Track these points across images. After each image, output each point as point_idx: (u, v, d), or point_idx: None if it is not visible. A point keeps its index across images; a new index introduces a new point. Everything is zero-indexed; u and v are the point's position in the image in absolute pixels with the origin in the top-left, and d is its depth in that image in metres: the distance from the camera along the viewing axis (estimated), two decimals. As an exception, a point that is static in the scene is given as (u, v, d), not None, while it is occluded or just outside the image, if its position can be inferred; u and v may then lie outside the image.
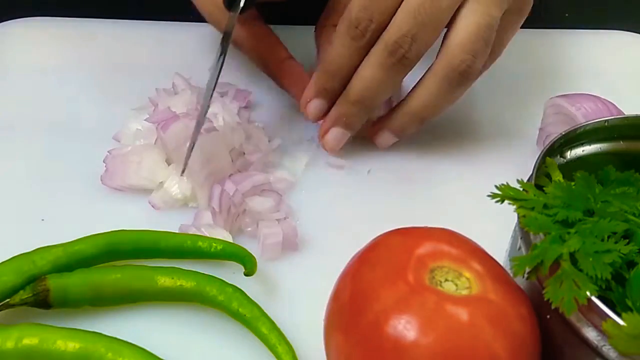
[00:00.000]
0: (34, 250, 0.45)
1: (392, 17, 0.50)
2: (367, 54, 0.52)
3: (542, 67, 0.68)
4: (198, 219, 0.51)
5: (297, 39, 0.60)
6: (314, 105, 0.55)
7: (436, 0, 0.49)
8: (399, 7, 0.50)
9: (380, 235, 0.40)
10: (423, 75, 0.53)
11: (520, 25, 0.54)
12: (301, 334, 0.44)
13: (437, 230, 0.39)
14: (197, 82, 0.61)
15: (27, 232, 0.50)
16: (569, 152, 0.43)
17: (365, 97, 0.53)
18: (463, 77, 0.51)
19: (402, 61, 0.51)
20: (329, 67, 0.53)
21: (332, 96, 0.55)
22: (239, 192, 0.50)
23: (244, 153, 0.54)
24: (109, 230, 0.47)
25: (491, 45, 0.52)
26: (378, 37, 0.51)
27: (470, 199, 0.53)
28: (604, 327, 0.32)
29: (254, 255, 0.46)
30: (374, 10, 0.50)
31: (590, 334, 0.34)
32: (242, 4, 0.53)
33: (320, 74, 0.54)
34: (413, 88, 0.54)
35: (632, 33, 0.72)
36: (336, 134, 0.56)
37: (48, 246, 0.46)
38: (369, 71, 0.52)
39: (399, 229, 0.40)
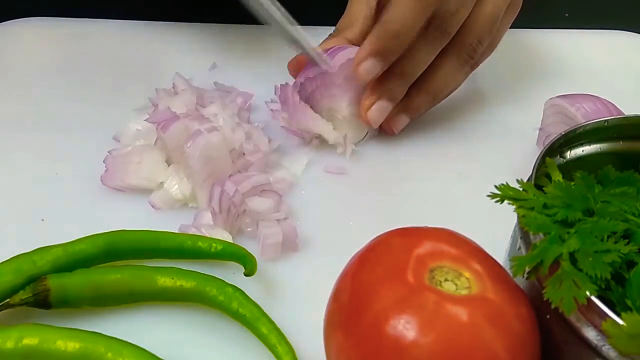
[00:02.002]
0: (34, 250, 0.45)
1: None
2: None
3: (542, 67, 0.68)
4: (198, 219, 0.51)
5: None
6: (369, 65, 0.54)
7: None
8: None
9: (380, 235, 0.40)
10: (437, 57, 0.56)
11: (513, 20, 0.59)
12: (301, 334, 0.44)
13: (437, 230, 0.39)
14: (197, 82, 0.61)
15: (27, 232, 0.50)
16: (568, 152, 0.43)
17: (409, 71, 0.56)
18: (471, 58, 0.56)
19: (444, 35, 0.55)
20: (391, 29, 0.54)
21: (387, 60, 0.55)
22: (239, 193, 0.50)
23: (244, 153, 0.54)
24: (109, 230, 0.47)
25: (493, 33, 0.57)
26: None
27: (470, 199, 0.53)
28: (604, 326, 0.32)
29: (254, 255, 0.46)
30: None
31: (590, 333, 0.34)
32: None
33: (379, 36, 0.54)
34: (427, 69, 0.56)
35: (632, 33, 0.73)
36: (381, 107, 0.57)
37: (48, 246, 0.46)
38: (417, 47, 0.55)
39: (399, 229, 0.40)
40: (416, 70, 0.56)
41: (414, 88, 0.57)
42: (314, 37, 0.57)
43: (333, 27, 0.60)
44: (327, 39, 0.59)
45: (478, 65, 0.58)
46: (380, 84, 0.56)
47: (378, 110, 0.56)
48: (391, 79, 0.56)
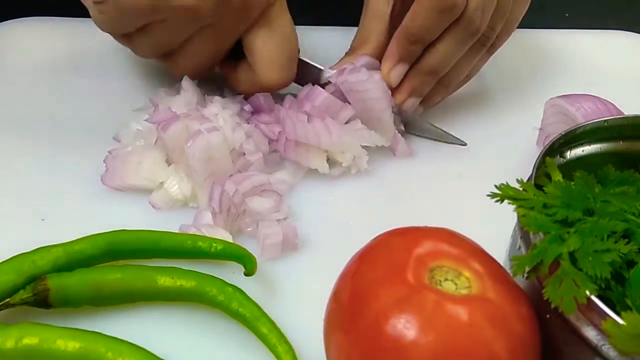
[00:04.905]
0: (34, 250, 0.45)
1: None
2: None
3: (542, 67, 0.68)
4: (198, 219, 0.51)
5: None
6: (399, 71, 0.57)
7: None
8: None
9: (380, 235, 0.40)
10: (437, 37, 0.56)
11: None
12: (301, 334, 0.44)
13: (437, 230, 0.39)
14: (197, 82, 0.60)
15: (27, 232, 0.50)
16: (568, 152, 0.43)
17: (438, 68, 0.57)
18: (483, 45, 0.56)
19: (473, 35, 0.55)
20: (413, 35, 0.55)
21: (411, 61, 0.57)
22: (239, 192, 0.50)
23: (244, 153, 0.54)
24: (109, 230, 0.47)
25: (507, 17, 0.57)
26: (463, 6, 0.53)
27: (470, 199, 0.53)
28: (604, 326, 0.32)
29: (254, 255, 0.46)
30: None
31: (590, 333, 0.34)
32: None
33: (402, 41, 0.56)
34: (427, 47, 0.56)
35: (632, 33, 0.73)
36: (413, 103, 0.58)
37: (48, 246, 0.46)
38: (444, 45, 0.55)
39: (399, 229, 0.40)
40: (446, 68, 0.57)
41: (414, 66, 0.58)
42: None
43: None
44: (343, 57, 0.60)
45: (496, 49, 0.59)
46: (409, 80, 0.57)
47: (410, 106, 0.58)
48: (421, 77, 0.57)
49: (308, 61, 0.58)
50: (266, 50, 0.53)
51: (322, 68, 0.58)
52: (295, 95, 0.58)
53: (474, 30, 0.55)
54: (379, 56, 0.58)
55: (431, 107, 0.60)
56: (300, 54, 0.57)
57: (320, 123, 0.53)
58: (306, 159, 0.54)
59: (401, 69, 0.57)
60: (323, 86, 0.57)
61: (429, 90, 0.59)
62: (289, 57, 0.55)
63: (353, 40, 0.60)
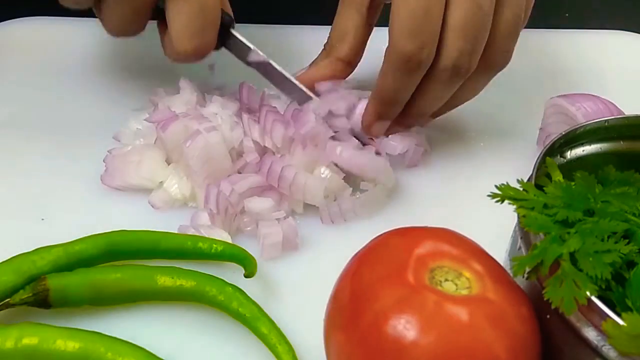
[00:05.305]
0: (34, 250, 0.45)
1: (439, 37, 0.49)
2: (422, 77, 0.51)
3: (542, 67, 0.68)
4: (195, 220, 0.51)
5: (290, 38, 0.60)
6: (380, 127, 0.55)
7: (477, 9, 0.49)
8: (442, 25, 0.49)
9: (380, 235, 0.40)
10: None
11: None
12: (301, 334, 0.44)
13: (437, 230, 0.39)
14: (197, 82, 0.60)
15: (27, 232, 0.50)
16: (569, 152, 0.43)
17: (425, 111, 0.54)
18: (460, 76, 0.51)
19: (464, 74, 0.51)
20: (387, 97, 0.53)
21: (393, 115, 0.55)
22: (236, 192, 0.50)
23: (243, 153, 0.54)
24: (109, 230, 0.47)
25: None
26: (431, 60, 0.50)
27: (471, 199, 0.53)
28: (604, 327, 0.32)
29: (254, 254, 0.46)
30: (423, 37, 0.49)
31: (590, 333, 0.34)
32: None
33: (378, 103, 0.54)
34: (418, 87, 0.53)
35: (632, 33, 0.72)
36: (378, 126, 0.55)
37: (48, 246, 0.46)
38: (432, 92, 0.52)
39: (399, 229, 0.40)
40: (433, 108, 0.55)
41: (408, 110, 0.55)
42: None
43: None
44: (317, 58, 0.58)
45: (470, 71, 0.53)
46: (381, 111, 0.55)
47: (379, 128, 0.55)
48: (407, 116, 0.55)
49: (238, 36, 0.56)
50: (178, 18, 0.51)
51: (251, 47, 0.56)
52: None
53: (462, 73, 0.51)
54: (358, 51, 0.56)
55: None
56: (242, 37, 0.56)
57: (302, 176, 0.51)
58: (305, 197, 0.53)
59: (383, 125, 0.55)
60: (257, 66, 0.56)
61: (417, 123, 0.57)
62: (202, 27, 0.52)
63: (329, 35, 0.58)
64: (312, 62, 0.58)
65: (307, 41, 0.59)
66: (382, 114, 0.54)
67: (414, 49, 0.49)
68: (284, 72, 0.56)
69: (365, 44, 0.57)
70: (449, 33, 0.49)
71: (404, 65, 0.50)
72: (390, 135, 0.56)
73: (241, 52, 0.56)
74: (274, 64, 0.56)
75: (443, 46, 0.50)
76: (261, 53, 0.56)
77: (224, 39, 0.55)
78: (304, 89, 0.56)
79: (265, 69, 0.57)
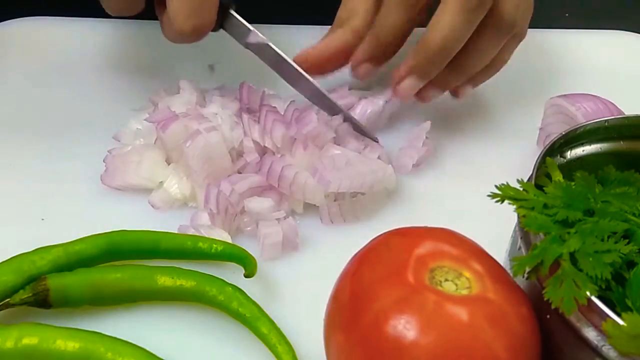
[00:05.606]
0: (34, 250, 0.45)
1: None
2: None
3: (542, 67, 0.68)
4: (195, 220, 0.51)
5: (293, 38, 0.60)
6: (408, 84, 0.54)
7: None
8: None
9: (380, 235, 0.40)
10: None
11: None
12: (301, 334, 0.44)
13: (437, 230, 0.39)
14: (197, 82, 0.60)
15: (27, 232, 0.50)
16: (569, 152, 0.43)
17: (445, 46, 0.52)
18: (508, 32, 0.53)
19: (513, 29, 0.52)
20: (435, 40, 0.51)
21: (429, 76, 0.54)
22: (236, 192, 0.50)
23: (243, 153, 0.54)
24: (109, 231, 0.47)
25: None
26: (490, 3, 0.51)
27: (470, 199, 0.53)
28: (604, 327, 0.32)
29: (254, 254, 0.46)
30: None
31: (590, 333, 0.34)
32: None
33: (421, 48, 0.52)
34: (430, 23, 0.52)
35: (632, 33, 0.72)
36: (411, 83, 0.54)
37: (48, 246, 0.46)
38: (486, 41, 0.52)
39: (399, 229, 0.40)
40: (481, 65, 0.54)
41: (418, 44, 0.53)
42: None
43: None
44: (330, 32, 0.57)
45: (524, 36, 0.55)
46: (413, 60, 0.53)
47: (409, 86, 0.54)
48: (422, 56, 0.53)
49: (238, 17, 0.56)
50: None
51: (250, 28, 0.56)
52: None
53: (517, 26, 0.52)
54: (365, 31, 0.55)
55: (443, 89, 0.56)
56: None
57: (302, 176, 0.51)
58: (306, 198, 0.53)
59: (414, 81, 0.54)
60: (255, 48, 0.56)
61: (431, 62, 0.54)
62: (200, 6, 0.51)
63: (338, 14, 0.57)
64: (322, 37, 0.58)
65: (308, 41, 0.59)
66: (419, 65, 0.53)
67: None
68: (283, 54, 0.56)
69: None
70: None
71: (467, 2, 0.50)
72: (403, 149, 0.56)
73: (240, 33, 0.56)
74: (273, 46, 0.56)
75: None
76: (260, 34, 0.56)
77: (223, 20, 0.55)
78: (302, 72, 0.56)
79: (264, 52, 0.56)
